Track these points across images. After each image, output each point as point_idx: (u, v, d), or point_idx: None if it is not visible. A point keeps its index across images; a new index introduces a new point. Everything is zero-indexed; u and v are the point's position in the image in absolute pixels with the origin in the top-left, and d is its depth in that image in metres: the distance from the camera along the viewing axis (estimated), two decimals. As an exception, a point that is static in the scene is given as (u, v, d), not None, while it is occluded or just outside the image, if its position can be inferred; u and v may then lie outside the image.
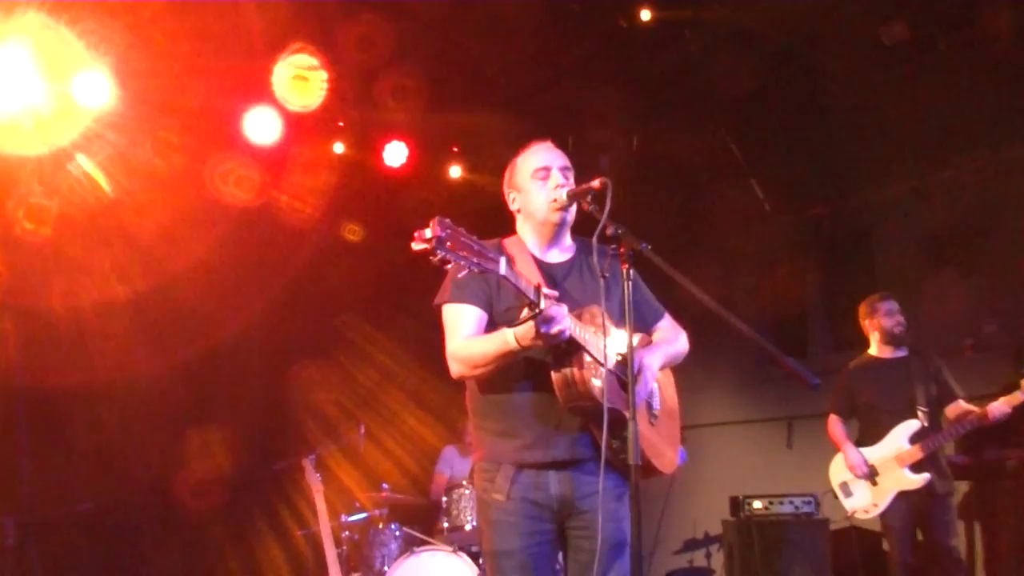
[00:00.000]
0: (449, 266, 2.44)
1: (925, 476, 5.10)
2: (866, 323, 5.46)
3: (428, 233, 2.38)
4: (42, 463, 6.19)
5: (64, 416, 6.35)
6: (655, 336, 3.19)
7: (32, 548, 5.99)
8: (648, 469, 2.92)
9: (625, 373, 2.88)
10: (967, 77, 6.21)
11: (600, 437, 2.81)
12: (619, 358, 2.84)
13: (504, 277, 2.55)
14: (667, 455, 3.06)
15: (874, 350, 5.47)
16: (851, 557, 6.13)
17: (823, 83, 6.60)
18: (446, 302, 2.97)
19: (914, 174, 6.78)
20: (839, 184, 7.31)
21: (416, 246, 2.40)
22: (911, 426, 5.18)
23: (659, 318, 3.22)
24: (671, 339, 3.19)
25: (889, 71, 6.31)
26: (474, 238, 2.49)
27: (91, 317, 6.41)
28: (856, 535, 6.08)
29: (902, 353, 5.38)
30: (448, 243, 2.40)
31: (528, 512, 2.87)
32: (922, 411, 5.18)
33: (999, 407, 4.96)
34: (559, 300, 2.67)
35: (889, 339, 5.36)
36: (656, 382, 3.12)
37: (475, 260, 2.45)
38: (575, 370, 2.73)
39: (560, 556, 3.03)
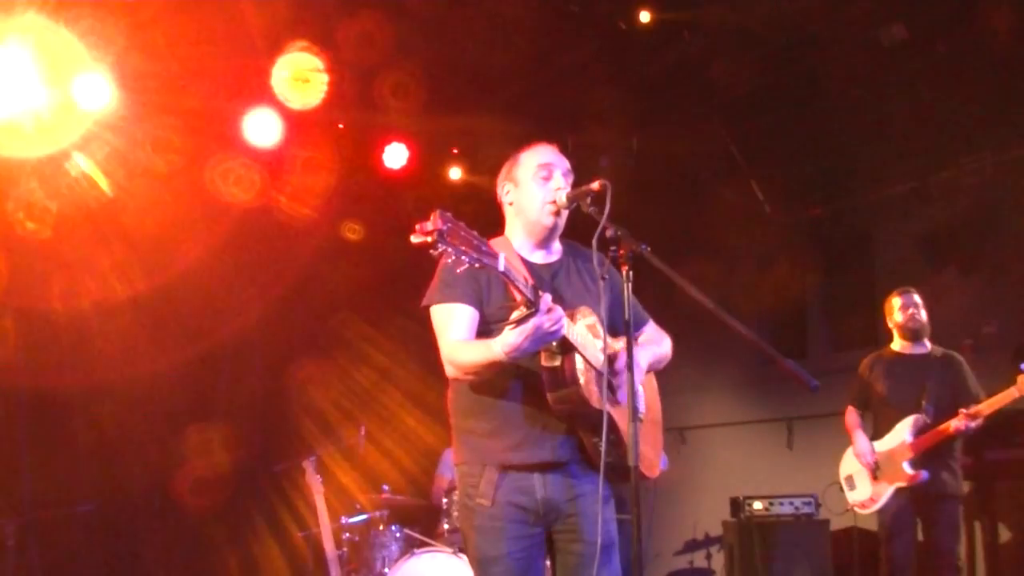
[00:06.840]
0: (451, 260, 2.43)
1: (920, 472, 5.00)
2: (887, 320, 5.39)
3: (429, 226, 2.37)
4: (42, 464, 6.19)
5: (64, 417, 6.35)
6: (640, 340, 3.15)
7: (32, 549, 5.98)
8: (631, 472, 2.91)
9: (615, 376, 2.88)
10: (966, 78, 6.21)
11: (586, 439, 2.80)
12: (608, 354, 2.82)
13: (503, 273, 2.54)
14: (650, 458, 3.03)
15: (895, 345, 5.38)
16: (852, 558, 6.13)
17: (822, 84, 6.60)
18: (435, 303, 2.93)
19: (913, 175, 6.78)
20: (838, 185, 7.32)
21: (416, 239, 2.39)
22: (915, 421, 5.10)
23: (643, 323, 3.19)
24: (656, 341, 3.17)
25: (888, 72, 6.32)
26: (474, 232, 2.49)
27: (91, 318, 6.41)
28: (857, 535, 6.08)
29: (922, 349, 5.28)
30: (449, 236, 2.39)
31: (514, 516, 2.83)
32: (928, 407, 5.07)
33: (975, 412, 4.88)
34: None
35: (905, 333, 5.27)
36: (640, 386, 3.12)
37: (475, 255, 2.45)
38: (567, 372, 2.70)
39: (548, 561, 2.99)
